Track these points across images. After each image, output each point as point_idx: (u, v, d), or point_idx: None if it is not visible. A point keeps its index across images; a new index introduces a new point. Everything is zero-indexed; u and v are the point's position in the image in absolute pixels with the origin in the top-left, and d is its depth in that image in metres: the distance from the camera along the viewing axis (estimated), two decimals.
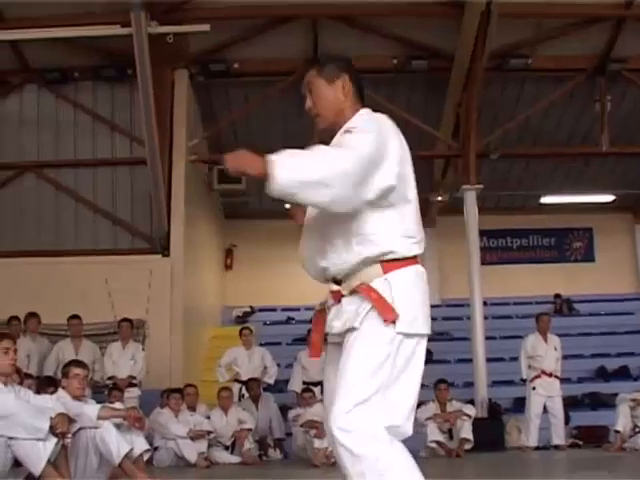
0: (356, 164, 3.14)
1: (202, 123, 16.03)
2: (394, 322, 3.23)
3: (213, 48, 14.52)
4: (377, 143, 3.24)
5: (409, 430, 3.29)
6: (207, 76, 15.03)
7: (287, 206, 3.76)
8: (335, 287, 3.44)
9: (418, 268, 3.40)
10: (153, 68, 12.54)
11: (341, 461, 3.17)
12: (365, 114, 3.50)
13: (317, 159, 3.14)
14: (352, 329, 3.30)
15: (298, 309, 18.89)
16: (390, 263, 3.33)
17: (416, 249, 3.40)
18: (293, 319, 18.53)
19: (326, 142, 3.45)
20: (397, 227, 3.35)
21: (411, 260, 3.37)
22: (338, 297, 3.43)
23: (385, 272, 3.32)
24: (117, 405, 8.18)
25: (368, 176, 3.18)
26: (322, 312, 3.56)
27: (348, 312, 3.36)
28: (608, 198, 19.08)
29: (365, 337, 3.26)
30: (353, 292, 3.37)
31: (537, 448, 12.29)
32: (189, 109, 14.91)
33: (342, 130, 3.43)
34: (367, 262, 3.33)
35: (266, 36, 14.20)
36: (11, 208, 14.83)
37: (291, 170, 3.07)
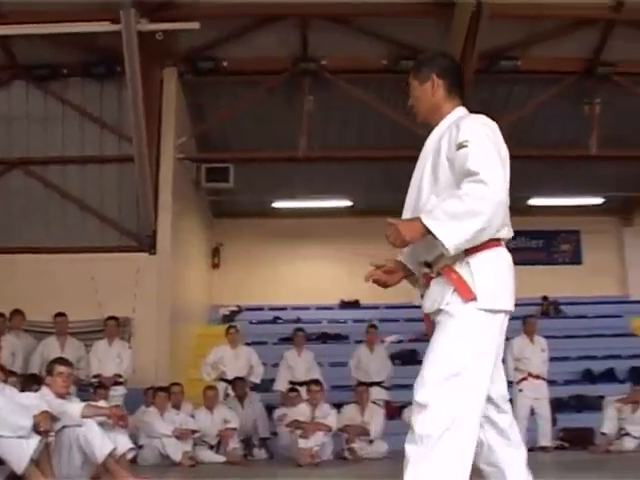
0: (499, 195, 3.48)
1: (190, 121, 15.96)
2: (474, 300, 3.53)
3: (203, 46, 14.47)
4: (494, 154, 3.58)
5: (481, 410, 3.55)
6: (196, 74, 14.98)
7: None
8: (426, 270, 3.80)
9: (501, 250, 3.69)
10: (142, 66, 12.50)
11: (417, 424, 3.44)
12: (467, 117, 3.81)
13: (468, 215, 3.44)
14: (440, 310, 3.62)
15: (285, 308, 18.92)
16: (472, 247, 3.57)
17: (499, 234, 3.64)
18: (280, 319, 18.51)
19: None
20: None
21: (493, 243, 3.63)
22: (428, 279, 3.78)
23: (466, 255, 3.59)
24: (101, 403, 8.14)
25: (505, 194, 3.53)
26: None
27: (435, 292, 3.70)
28: (596, 201, 19.10)
29: (452, 318, 3.56)
30: (439, 274, 3.70)
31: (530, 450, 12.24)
32: (178, 107, 14.88)
33: (452, 139, 3.69)
34: None
35: (256, 35, 14.15)
36: None
37: (454, 237, 3.43)
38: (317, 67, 14.54)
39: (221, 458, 11.52)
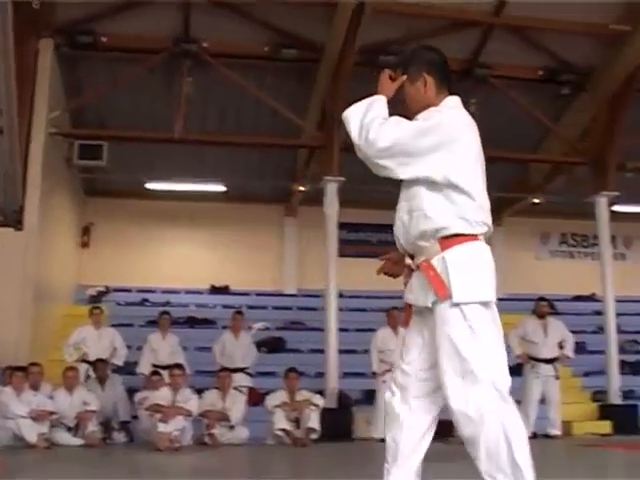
0: (386, 140, 3.76)
1: (66, 96, 15.58)
2: (449, 297, 3.70)
3: (82, 19, 14.15)
4: (420, 136, 3.79)
5: (509, 386, 3.74)
6: (73, 47, 14.57)
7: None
8: (408, 261, 3.98)
9: (477, 243, 3.83)
10: (16, 34, 11.86)
11: (460, 430, 3.79)
12: (440, 109, 3.97)
13: (371, 118, 3.83)
14: (426, 308, 3.82)
15: (154, 291, 18.72)
16: (446, 240, 3.78)
17: (471, 230, 3.81)
18: (148, 301, 18.30)
19: None
20: (449, 209, 3.79)
21: (468, 237, 3.80)
22: (410, 271, 3.97)
23: (442, 250, 3.78)
24: None
25: (393, 154, 3.78)
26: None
27: (416, 287, 3.90)
28: None
29: (443, 320, 3.74)
30: (418, 267, 3.88)
31: (383, 440, 12.41)
32: (52, 80, 14.46)
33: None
34: (425, 237, 3.81)
35: (137, 12, 13.92)
36: None
37: (355, 108, 3.91)
38: (198, 49, 14.39)
39: (79, 441, 11.31)
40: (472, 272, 3.77)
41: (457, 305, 3.71)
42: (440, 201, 3.80)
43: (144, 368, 13.10)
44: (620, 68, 15.24)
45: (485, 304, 3.76)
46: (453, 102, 4.05)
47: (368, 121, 3.81)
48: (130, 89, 15.15)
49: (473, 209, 3.82)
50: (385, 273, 4.24)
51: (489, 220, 3.91)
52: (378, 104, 3.92)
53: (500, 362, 3.75)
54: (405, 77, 4.06)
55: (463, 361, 3.69)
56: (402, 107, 4.08)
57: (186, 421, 11.15)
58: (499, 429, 3.64)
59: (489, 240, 3.93)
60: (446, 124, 3.84)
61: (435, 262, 3.78)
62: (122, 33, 14.26)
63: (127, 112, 15.85)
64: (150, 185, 18.37)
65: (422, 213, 3.82)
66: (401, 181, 3.99)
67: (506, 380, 3.73)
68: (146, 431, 11.63)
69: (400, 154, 3.79)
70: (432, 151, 3.78)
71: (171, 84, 14.98)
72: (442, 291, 3.72)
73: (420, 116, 3.92)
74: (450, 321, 3.72)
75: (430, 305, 3.79)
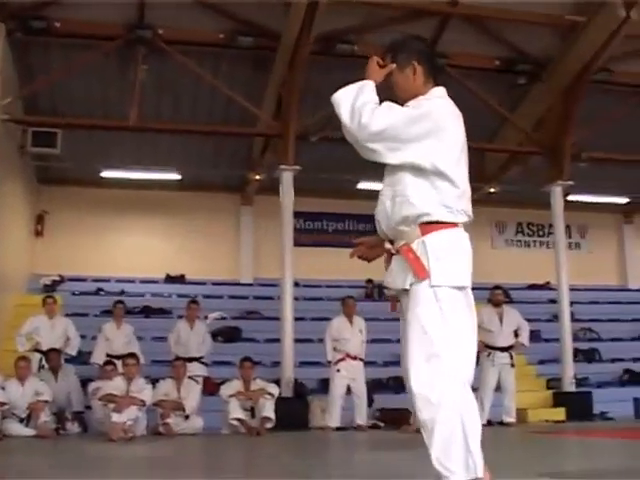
0: (378, 125, 3.81)
1: (19, 82, 15.36)
2: (427, 278, 3.78)
3: (35, 5, 13.94)
4: (412, 123, 3.84)
5: (471, 375, 3.80)
6: (26, 33, 14.34)
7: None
8: (388, 246, 4.03)
9: (456, 231, 3.91)
10: None
11: (419, 412, 3.71)
12: (429, 97, 4.02)
13: (362, 102, 3.87)
14: (404, 290, 3.89)
15: (109, 280, 18.56)
16: (427, 226, 3.85)
17: (452, 218, 3.88)
18: (103, 290, 18.14)
19: None
20: (433, 196, 3.86)
21: (448, 225, 3.87)
22: (389, 256, 4.03)
23: (423, 234, 3.86)
24: None
25: (383, 139, 3.83)
26: None
27: (395, 271, 3.96)
28: None
29: (416, 302, 3.80)
30: (398, 252, 3.94)
31: (338, 429, 12.49)
32: (4, 66, 14.25)
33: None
34: (407, 222, 3.88)
35: None
36: None
37: (345, 92, 3.94)
38: (153, 36, 14.24)
39: (31, 432, 11.22)
40: (450, 257, 3.84)
41: (432, 288, 3.78)
42: (424, 188, 3.87)
43: (98, 358, 13.02)
44: (575, 59, 15.35)
45: (460, 288, 3.83)
46: (440, 92, 4.10)
47: (360, 105, 3.86)
48: (84, 76, 14.98)
49: (456, 197, 3.89)
50: (359, 257, 4.27)
51: (470, 208, 3.97)
52: (368, 89, 3.95)
53: (466, 349, 3.79)
54: (394, 65, 4.09)
55: (430, 344, 3.72)
56: (390, 93, 4.11)
57: (140, 411, 11.09)
58: (457, 417, 3.64)
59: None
60: (436, 113, 3.91)
61: (415, 246, 3.85)
62: (76, 19, 14.07)
63: (81, 99, 15.68)
64: (105, 173, 18.21)
65: (405, 199, 3.89)
66: (384, 166, 4.02)
67: (471, 368, 3.77)
68: (100, 421, 11.55)
69: (391, 139, 3.83)
70: (422, 138, 3.84)
71: (126, 71, 14.83)
72: (421, 273, 3.80)
73: (410, 104, 3.97)
74: (421, 302, 3.78)
75: (408, 287, 3.85)
